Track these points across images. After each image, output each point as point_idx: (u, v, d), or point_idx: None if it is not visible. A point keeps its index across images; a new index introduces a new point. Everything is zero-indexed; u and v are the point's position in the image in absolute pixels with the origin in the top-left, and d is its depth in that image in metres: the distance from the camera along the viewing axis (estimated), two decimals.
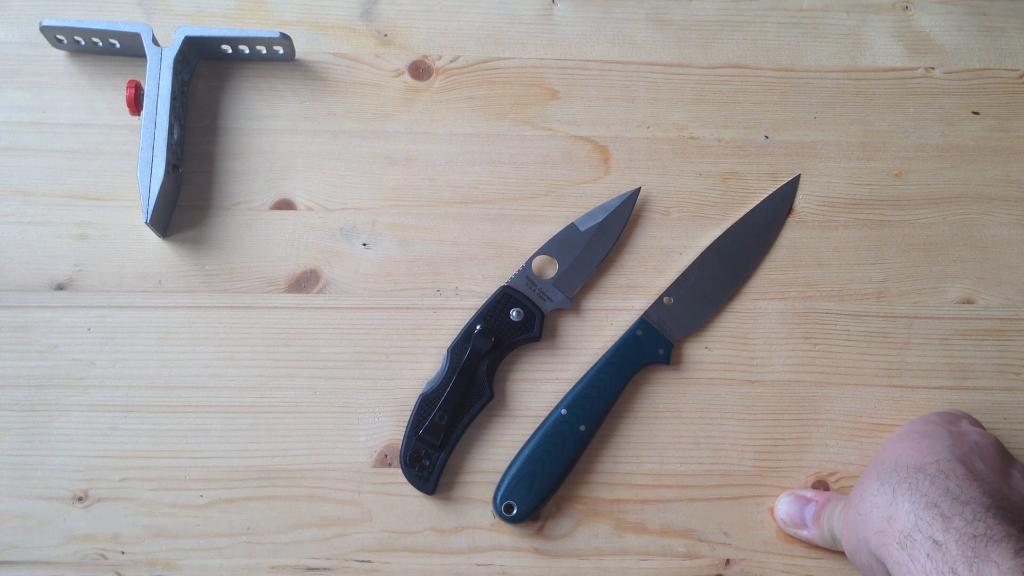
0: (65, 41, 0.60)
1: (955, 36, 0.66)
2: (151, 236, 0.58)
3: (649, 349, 0.57)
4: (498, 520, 0.54)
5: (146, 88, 0.57)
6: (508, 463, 0.55)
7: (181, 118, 0.60)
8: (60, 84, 0.61)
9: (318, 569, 0.53)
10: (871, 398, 0.58)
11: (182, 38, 0.58)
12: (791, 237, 0.61)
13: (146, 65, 0.57)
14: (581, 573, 0.54)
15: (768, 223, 0.61)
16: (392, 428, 0.56)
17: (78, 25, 0.58)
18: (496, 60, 0.64)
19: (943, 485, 0.45)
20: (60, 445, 0.54)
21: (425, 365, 0.57)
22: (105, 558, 0.53)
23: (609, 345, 0.57)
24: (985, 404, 0.58)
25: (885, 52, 0.66)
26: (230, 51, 0.61)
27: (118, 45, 0.60)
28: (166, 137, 0.56)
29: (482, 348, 0.55)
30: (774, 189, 0.61)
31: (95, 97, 0.61)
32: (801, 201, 0.62)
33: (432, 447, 0.54)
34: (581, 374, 0.56)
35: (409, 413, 0.55)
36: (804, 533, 0.53)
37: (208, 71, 0.62)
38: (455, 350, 0.55)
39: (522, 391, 0.57)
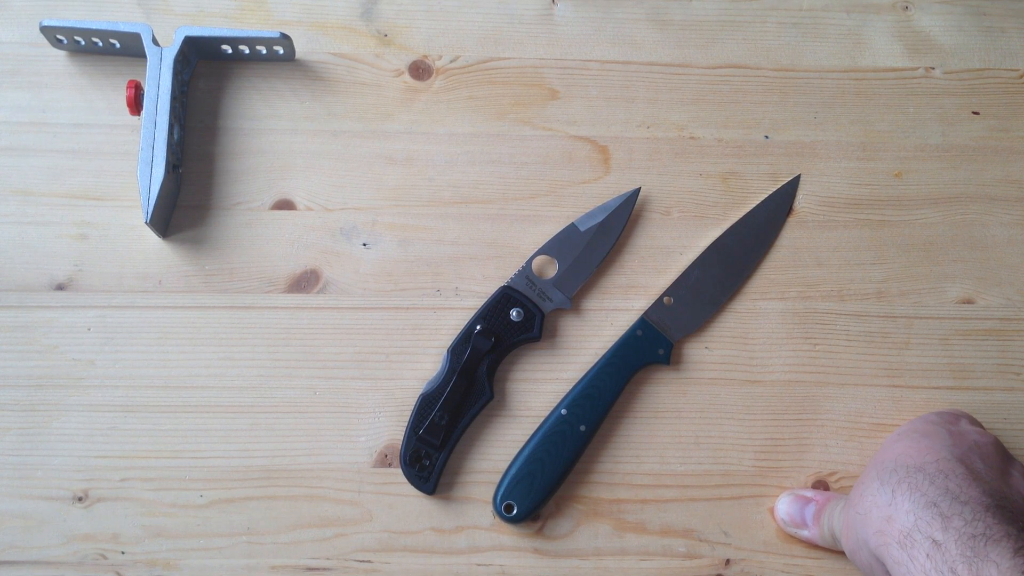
0: (65, 41, 0.60)
1: (955, 36, 0.66)
2: (151, 236, 0.58)
3: (649, 349, 0.57)
4: (498, 520, 0.54)
5: (146, 88, 0.57)
6: (508, 463, 0.55)
7: (181, 118, 0.60)
8: (60, 84, 0.61)
9: (318, 569, 0.53)
10: (871, 398, 0.58)
11: (182, 38, 0.58)
12: (791, 237, 0.61)
13: (146, 65, 0.58)
14: (581, 573, 0.54)
15: (768, 223, 0.61)
16: (392, 428, 0.56)
17: (78, 25, 0.58)
18: (496, 60, 0.64)
19: (942, 485, 0.45)
20: (60, 445, 0.54)
21: (425, 365, 0.57)
22: (105, 558, 0.53)
23: (609, 345, 0.57)
24: (985, 404, 0.58)
25: (885, 52, 0.66)
26: (230, 51, 0.61)
27: (118, 45, 0.60)
28: (166, 137, 0.56)
29: (482, 348, 0.55)
30: (774, 189, 0.61)
31: (95, 97, 0.61)
32: (801, 201, 0.62)
33: (432, 447, 0.54)
34: (581, 374, 0.56)
35: (409, 413, 0.55)
36: (804, 533, 0.53)
37: (208, 71, 0.62)
38: (455, 350, 0.55)
39: (522, 391, 0.57)
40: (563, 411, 0.55)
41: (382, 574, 0.53)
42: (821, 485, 0.56)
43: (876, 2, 0.67)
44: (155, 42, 0.58)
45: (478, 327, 0.56)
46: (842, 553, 0.51)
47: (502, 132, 0.62)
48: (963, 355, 0.59)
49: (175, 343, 0.56)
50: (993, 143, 0.64)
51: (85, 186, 0.59)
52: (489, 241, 0.60)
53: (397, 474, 0.54)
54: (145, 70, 0.58)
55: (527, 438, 0.55)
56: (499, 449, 0.56)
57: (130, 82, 0.57)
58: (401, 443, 0.55)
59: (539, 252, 0.58)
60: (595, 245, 0.58)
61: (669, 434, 0.57)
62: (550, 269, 0.58)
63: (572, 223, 0.59)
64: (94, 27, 0.58)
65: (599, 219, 0.59)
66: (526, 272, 0.58)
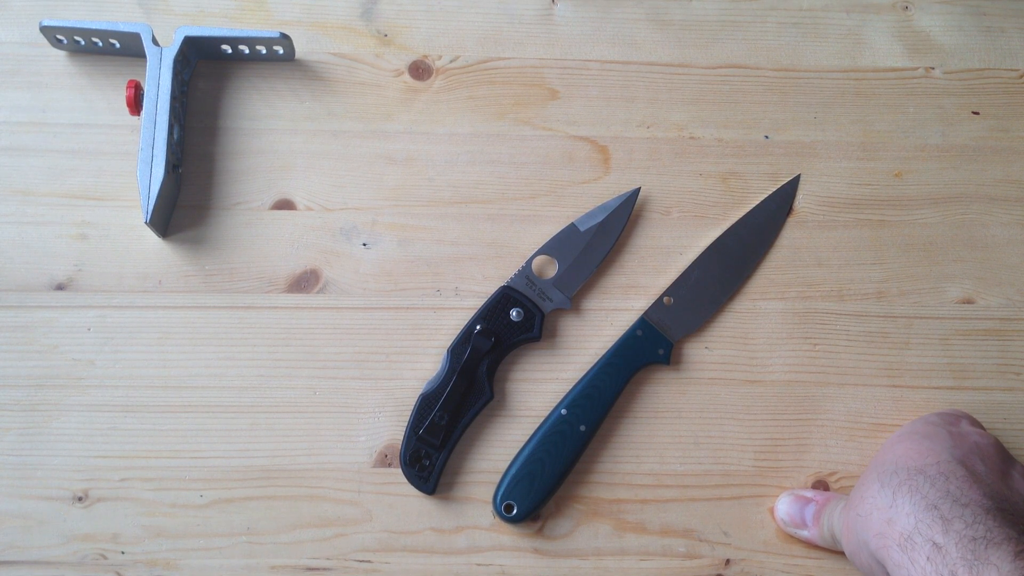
0: (65, 41, 0.60)
1: (955, 36, 0.66)
2: (151, 236, 0.58)
3: (649, 349, 0.57)
4: (498, 520, 0.54)
5: (146, 88, 0.57)
6: (508, 463, 0.55)
7: (181, 118, 0.60)
8: (60, 84, 0.61)
9: (318, 569, 0.53)
10: (871, 398, 0.58)
11: (182, 38, 0.58)
12: (791, 237, 0.61)
13: (146, 65, 0.57)
14: (581, 573, 0.54)
15: (768, 223, 0.61)
16: (392, 428, 0.56)
17: (78, 25, 0.58)
18: (496, 60, 0.64)
19: (943, 487, 0.45)
20: (60, 445, 0.54)
21: (425, 365, 0.57)
22: (105, 558, 0.53)
23: (609, 345, 0.57)
24: (985, 404, 0.58)
25: (885, 52, 0.66)
26: (230, 51, 0.61)
27: (118, 45, 0.60)
28: (166, 137, 0.56)
29: (482, 348, 0.55)
30: (774, 189, 0.61)
31: (95, 97, 0.61)
32: (801, 201, 0.62)
33: (432, 447, 0.54)
34: (581, 374, 0.56)
35: (409, 413, 0.55)
36: (804, 533, 0.53)
37: (208, 71, 0.62)
38: (455, 350, 0.55)
39: (522, 391, 0.57)
40: (563, 411, 0.55)
41: (382, 574, 0.53)
42: (821, 485, 0.56)
43: (876, 2, 0.67)
44: (155, 42, 0.58)
45: (478, 327, 0.56)
46: (842, 553, 0.51)
47: (502, 132, 0.62)
48: (963, 355, 0.59)
49: (175, 343, 0.56)
50: (993, 143, 0.64)
51: (85, 186, 0.59)
52: (489, 241, 0.60)
53: (397, 474, 0.54)
54: (145, 70, 0.58)
55: (527, 438, 0.55)
56: (499, 449, 0.56)
57: (130, 82, 0.57)
58: (401, 443, 0.55)
59: (539, 252, 0.58)
60: (595, 245, 0.58)
61: (669, 434, 0.57)
62: (550, 269, 0.58)
63: (572, 223, 0.59)
64: (94, 27, 0.58)
65: (599, 219, 0.59)
66: (526, 272, 0.58)
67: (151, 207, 0.55)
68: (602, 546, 0.54)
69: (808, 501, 0.53)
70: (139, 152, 0.56)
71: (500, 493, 0.54)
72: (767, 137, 0.63)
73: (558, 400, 0.56)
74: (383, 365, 0.57)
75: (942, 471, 0.46)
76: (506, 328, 0.56)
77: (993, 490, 0.45)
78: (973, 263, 0.61)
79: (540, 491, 0.53)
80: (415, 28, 0.64)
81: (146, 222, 0.56)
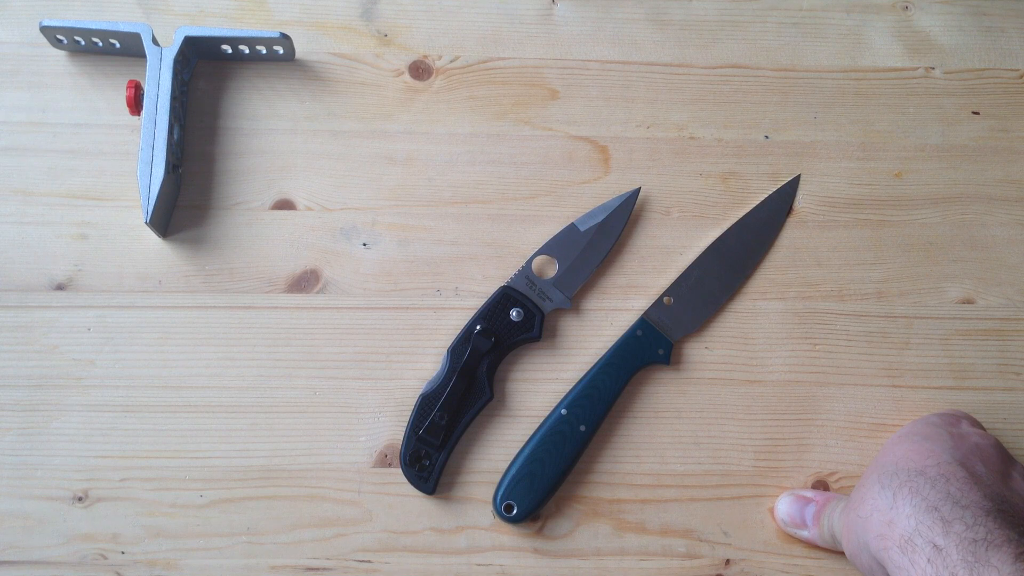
0: (65, 41, 0.60)
1: (955, 36, 0.66)
2: (151, 236, 0.58)
3: (649, 349, 0.57)
4: (498, 520, 0.54)
5: (146, 88, 0.57)
6: (508, 463, 0.55)
7: (181, 118, 0.60)
8: (60, 84, 0.61)
9: (318, 569, 0.53)
10: (871, 398, 0.58)
11: (182, 38, 0.58)
12: (791, 237, 0.61)
13: (146, 65, 0.57)
14: (581, 573, 0.54)
15: (768, 223, 0.61)
16: (392, 428, 0.56)
17: (78, 25, 0.58)
18: (496, 60, 0.64)
19: (944, 489, 0.45)
20: (60, 445, 0.54)
21: (425, 365, 0.57)
22: (105, 558, 0.53)
23: (609, 345, 0.57)
24: (985, 404, 0.58)
25: (885, 52, 0.66)
26: (230, 51, 0.61)
27: (118, 45, 0.60)
28: (166, 137, 0.56)
29: (482, 348, 0.55)
30: (774, 189, 0.61)
31: (95, 97, 0.61)
32: (801, 201, 0.62)
33: (432, 447, 0.54)
34: (581, 374, 0.56)
35: (409, 413, 0.55)
36: (804, 533, 0.53)
37: (208, 71, 0.62)
38: (455, 350, 0.56)
39: (522, 391, 0.57)
40: (563, 411, 0.55)
41: (382, 574, 0.53)
42: (821, 485, 0.56)
43: (876, 2, 0.67)
44: (155, 42, 0.58)
45: (478, 327, 0.56)
46: (842, 554, 0.51)
47: (502, 132, 0.62)
48: (963, 355, 0.59)
49: (175, 343, 0.56)
50: (993, 143, 0.64)
51: (85, 186, 0.59)
52: (489, 241, 0.60)
53: (397, 474, 0.55)
54: (145, 70, 0.58)
55: (527, 438, 0.55)
56: (499, 449, 0.56)
57: (130, 82, 0.57)
58: (401, 443, 0.55)
59: (539, 252, 0.58)
60: (595, 245, 0.58)
61: (669, 434, 0.57)
62: (550, 269, 0.58)
63: (572, 223, 0.59)
64: (94, 27, 0.58)
65: (599, 219, 0.59)
66: (526, 272, 0.58)
67: (151, 207, 0.55)
68: (602, 546, 0.54)
69: (808, 501, 0.53)
70: (139, 152, 0.56)
71: (500, 493, 0.54)
72: (767, 137, 0.63)
73: (558, 400, 0.56)
74: (383, 365, 0.57)
75: (942, 472, 0.46)
76: (506, 328, 0.56)
77: (993, 491, 0.45)
78: (973, 263, 0.61)
79: (540, 491, 0.53)
80: (415, 28, 0.64)
81: (146, 222, 0.56)
